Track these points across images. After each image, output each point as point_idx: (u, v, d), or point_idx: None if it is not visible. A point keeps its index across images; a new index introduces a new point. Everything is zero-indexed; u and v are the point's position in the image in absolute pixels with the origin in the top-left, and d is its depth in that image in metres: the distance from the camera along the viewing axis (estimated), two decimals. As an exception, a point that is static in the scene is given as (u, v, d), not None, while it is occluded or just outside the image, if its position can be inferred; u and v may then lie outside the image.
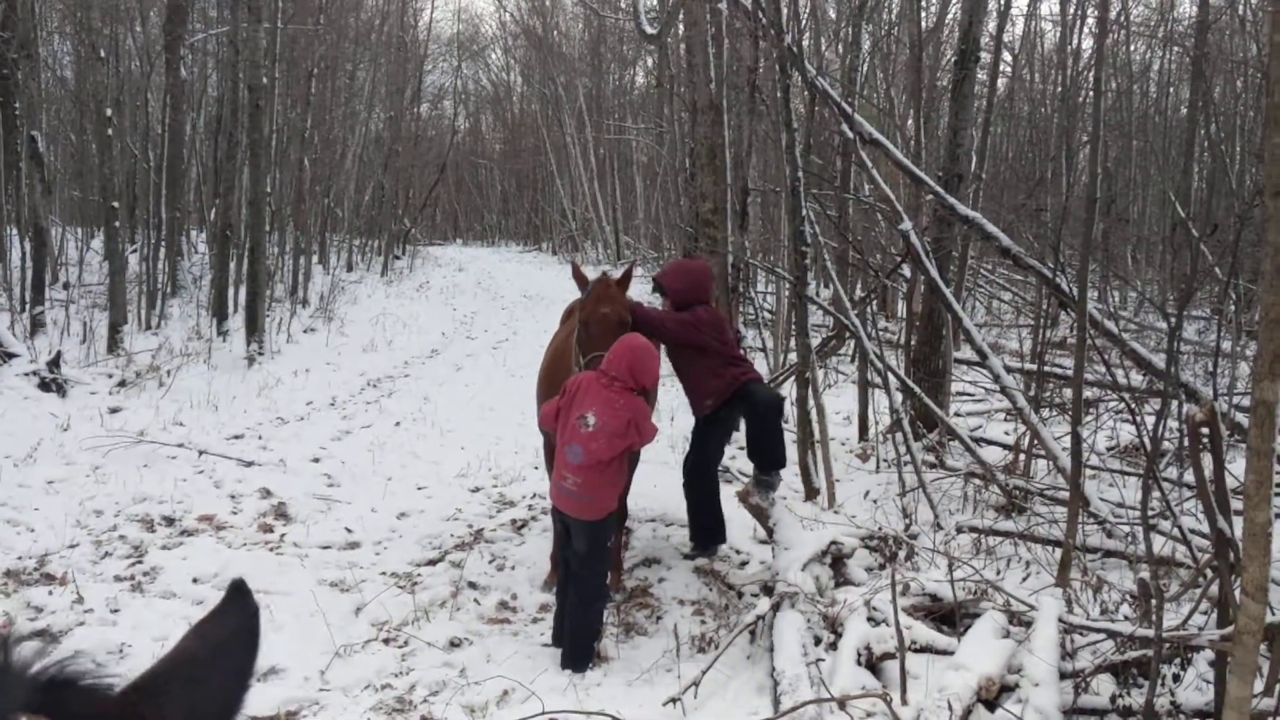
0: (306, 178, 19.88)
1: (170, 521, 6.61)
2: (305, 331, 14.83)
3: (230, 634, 1.05)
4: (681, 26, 14.00)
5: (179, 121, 15.08)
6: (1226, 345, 8.14)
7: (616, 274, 5.67)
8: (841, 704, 4.13)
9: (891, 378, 7.85)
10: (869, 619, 4.85)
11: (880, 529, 6.28)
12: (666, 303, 6.18)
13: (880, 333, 10.40)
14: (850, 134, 7.78)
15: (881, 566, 5.85)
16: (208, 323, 13.18)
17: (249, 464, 7.92)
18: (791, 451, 6.80)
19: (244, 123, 13.51)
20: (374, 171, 27.16)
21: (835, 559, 5.61)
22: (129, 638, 4.88)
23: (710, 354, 5.97)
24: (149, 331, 12.92)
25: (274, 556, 6.11)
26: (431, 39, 36.74)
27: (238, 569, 5.73)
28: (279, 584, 5.64)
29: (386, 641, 5.07)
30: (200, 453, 8.00)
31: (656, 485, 7.69)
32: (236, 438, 8.81)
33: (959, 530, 6.44)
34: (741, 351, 6.70)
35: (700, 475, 6.25)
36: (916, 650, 4.68)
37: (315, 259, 20.74)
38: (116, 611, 5.19)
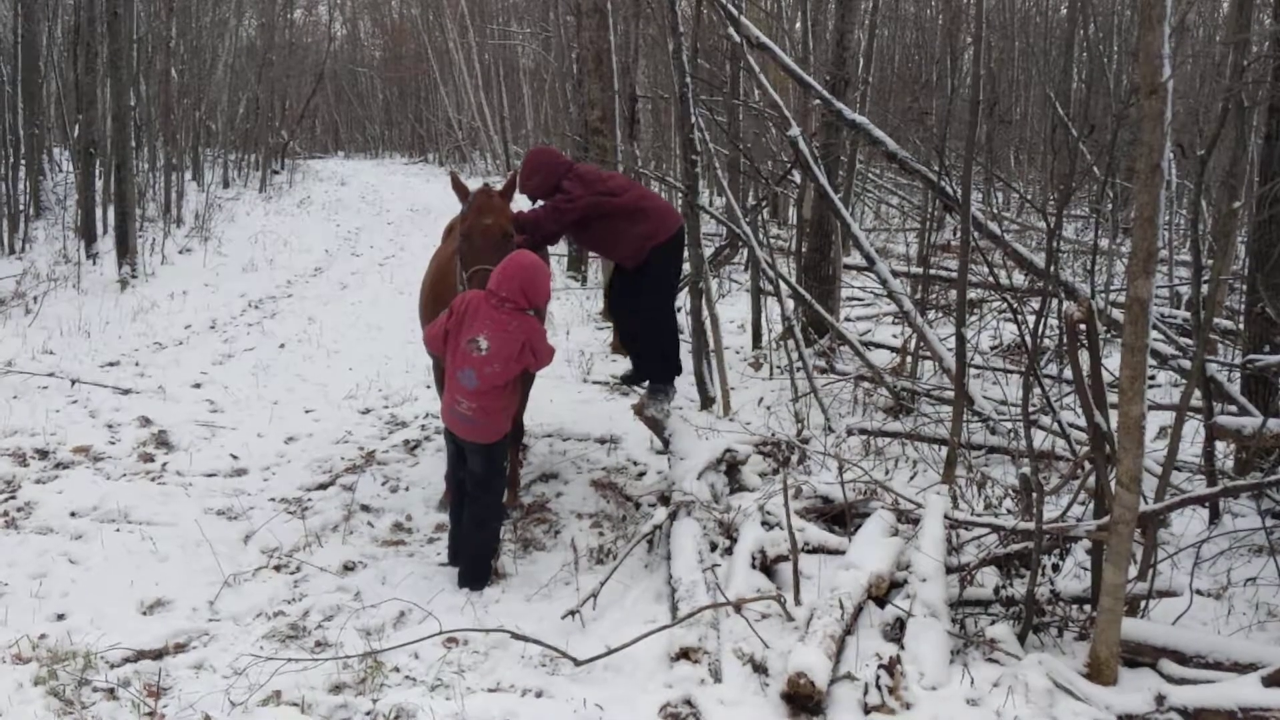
0: (174, 89, 18.91)
1: (44, 454, 6.34)
2: (181, 252, 14.25)
3: None
4: (564, -74, 13.58)
5: (33, 32, 14.16)
6: (1104, 243, 8.38)
7: (499, 184, 5.49)
8: (737, 607, 4.20)
9: (783, 285, 7.90)
10: (763, 523, 4.92)
11: (773, 435, 6.36)
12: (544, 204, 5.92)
13: (772, 240, 10.44)
14: (738, 38, 7.66)
15: (775, 471, 5.93)
16: (75, 245, 12.55)
17: (126, 392, 7.62)
18: (687, 361, 6.82)
19: (103, 32, 12.73)
20: (247, 82, 25.99)
21: (730, 466, 5.66)
22: (3, 576, 4.69)
23: (607, 217, 5.73)
24: (12, 256, 12.30)
25: (156, 486, 5.92)
26: (303, -59, 35.02)
27: (118, 500, 5.55)
28: (162, 514, 5.48)
29: (278, 568, 4.96)
30: (73, 382, 7.66)
31: (553, 400, 7.65)
32: (112, 365, 8.46)
33: (849, 433, 6.57)
34: (638, 180, 6.52)
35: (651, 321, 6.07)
36: (809, 551, 4.78)
37: (189, 175, 19.87)
38: (-11, 550, 4.97)
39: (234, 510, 5.63)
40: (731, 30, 7.74)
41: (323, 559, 5.04)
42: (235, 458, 6.49)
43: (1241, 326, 6.19)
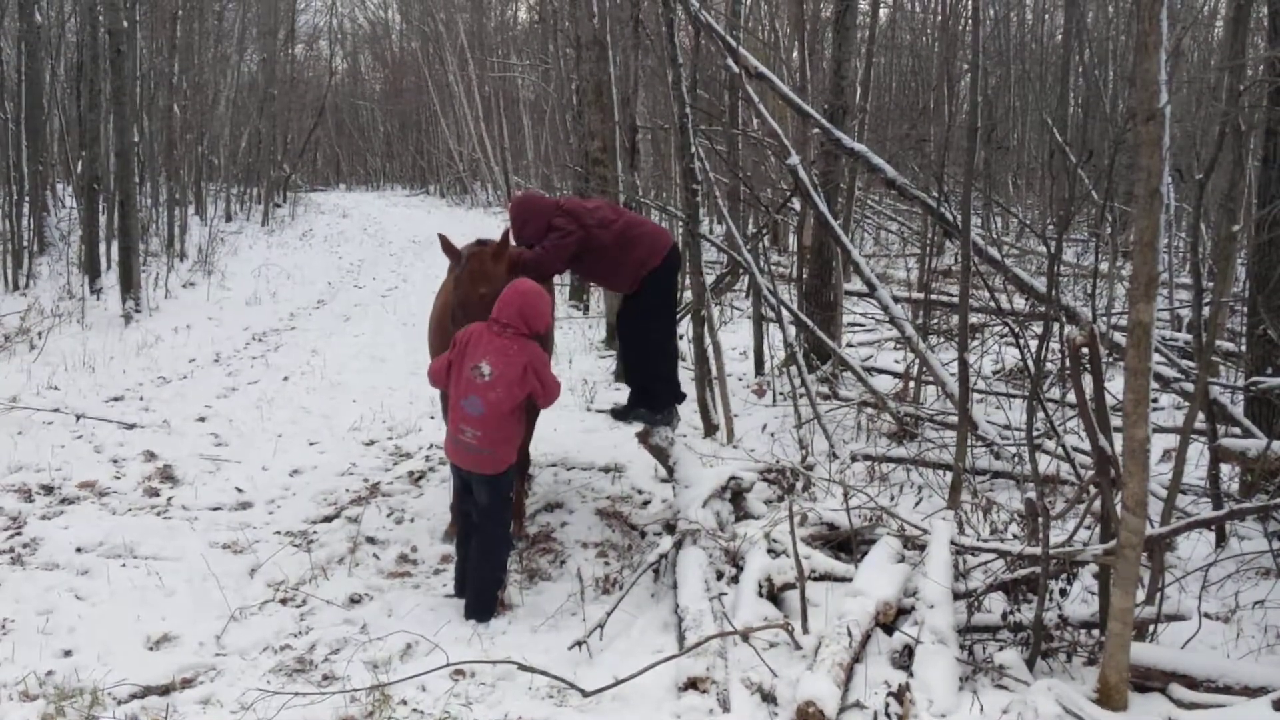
0: (177, 125, 19.06)
1: (49, 490, 6.34)
2: (184, 286, 14.31)
3: None
4: (562, -40, 13.71)
5: (36, 70, 14.28)
6: (1104, 267, 8.41)
7: (492, 233, 5.45)
8: (745, 636, 4.19)
9: (785, 312, 7.92)
10: (769, 551, 4.91)
11: (778, 461, 6.37)
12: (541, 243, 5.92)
13: (773, 267, 10.48)
14: (736, 68, 7.73)
15: (780, 498, 5.93)
16: (79, 281, 12.61)
17: (130, 426, 7.63)
18: (690, 388, 6.83)
19: (106, 69, 12.86)
20: (250, 117, 26.19)
21: (735, 494, 5.66)
22: (10, 612, 4.68)
23: (603, 248, 5.76)
24: (16, 292, 12.34)
25: (161, 521, 5.91)
26: (304, -24, 35.32)
27: (124, 535, 5.54)
28: (168, 549, 5.47)
29: (284, 602, 4.95)
30: (78, 417, 7.67)
31: (557, 429, 7.66)
32: (116, 400, 8.47)
33: (853, 459, 6.57)
34: (627, 209, 6.60)
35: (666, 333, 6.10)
36: (816, 579, 4.77)
37: (192, 210, 19.97)
38: (-5, 586, 4.96)
39: (239, 544, 5.63)
40: (730, 61, 7.80)
41: (329, 592, 5.03)
42: (240, 491, 6.49)
43: (1243, 349, 6.19)
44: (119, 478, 6.60)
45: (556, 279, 6.65)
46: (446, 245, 5.34)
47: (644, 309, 6.00)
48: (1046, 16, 22.94)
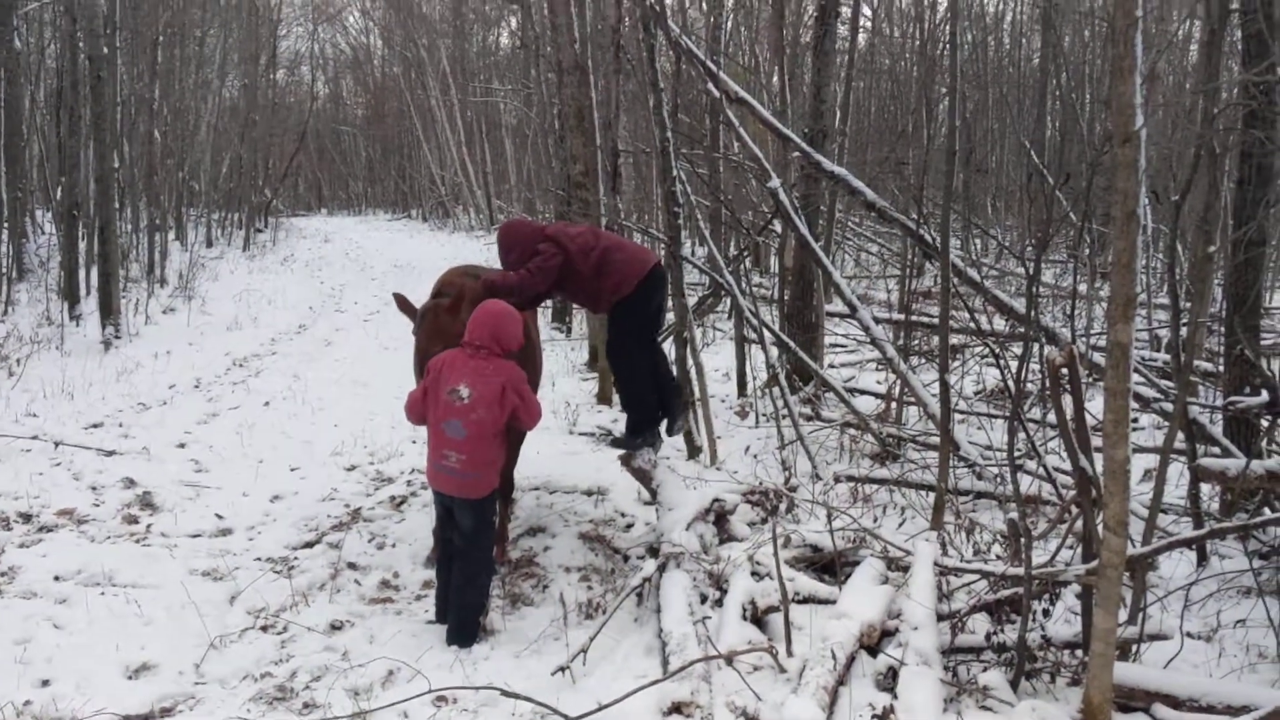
0: (158, 150, 19.02)
1: (27, 518, 6.27)
2: (164, 312, 14.23)
3: None
4: (543, -14, 13.78)
5: (15, 95, 14.23)
6: (1083, 288, 8.47)
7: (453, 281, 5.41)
8: (729, 660, 4.18)
9: (767, 333, 7.94)
10: (753, 574, 4.91)
11: (761, 483, 6.36)
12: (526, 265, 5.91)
13: (755, 289, 10.52)
14: (717, 93, 7.77)
15: (763, 520, 5.92)
16: (59, 307, 12.52)
17: (110, 453, 7.56)
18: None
19: (86, 95, 12.82)
20: (231, 142, 26.15)
21: (718, 516, 5.65)
22: (-13, 643, 4.63)
23: (580, 274, 5.75)
24: (-6, 319, 12.25)
25: (140, 548, 5.85)
26: (285, 2, 35.41)
27: (102, 563, 5.48)
28: (147, 576, 5.41)
29: (264, 629, 4.91)
30: (57, 444, 7.60)
31: (540, 452, 7.64)
32: (95, 426, 8.40)
33: (837, 480, 6.57)
34: (609, 231, 6.59)
35: (636, 359, 6.03)
36: (800, 601, 4.76)
37: (172, 235, 19.91)
38: (-29, 617, 4.90)
39: (219, 571, 5.58)
40: (710, 85, 7.85)
41: (310, 618, 4.99)
42: (220, 517, 6.44)
43: (1221, 369, 6.24)
44: (98, 505, 6.54)
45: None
46: (403, 304, 5.36)
47: (616, 334, 6.01)
48: (1024, 40, 23.19)
